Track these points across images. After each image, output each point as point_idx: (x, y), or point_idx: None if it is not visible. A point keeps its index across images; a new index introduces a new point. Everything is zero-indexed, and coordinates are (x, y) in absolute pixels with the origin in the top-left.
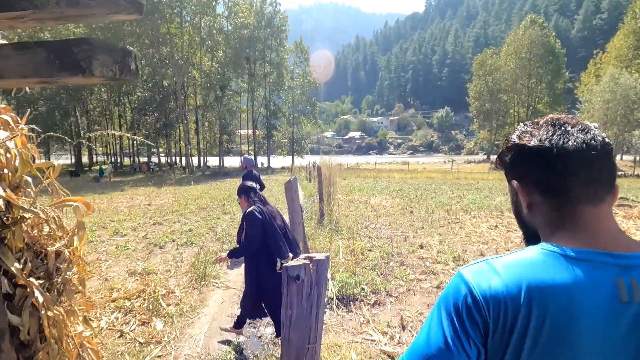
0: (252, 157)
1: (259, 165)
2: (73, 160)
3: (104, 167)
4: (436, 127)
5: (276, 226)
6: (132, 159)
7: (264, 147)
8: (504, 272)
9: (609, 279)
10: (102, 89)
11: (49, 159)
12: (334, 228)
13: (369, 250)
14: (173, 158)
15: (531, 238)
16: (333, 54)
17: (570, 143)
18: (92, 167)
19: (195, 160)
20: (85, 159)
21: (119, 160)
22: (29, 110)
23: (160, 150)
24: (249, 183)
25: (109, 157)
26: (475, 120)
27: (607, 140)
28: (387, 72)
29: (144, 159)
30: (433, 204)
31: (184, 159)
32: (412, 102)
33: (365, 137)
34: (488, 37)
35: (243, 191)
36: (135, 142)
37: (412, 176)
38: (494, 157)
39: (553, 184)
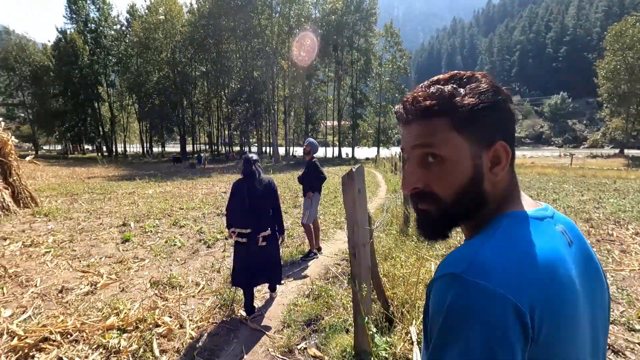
0: (316, 142)
1: (344, 155)
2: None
3: (202, 154)
4: (547, 116)
5: None
6: (227, 148)
7: (348, 137)
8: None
9: (558, 231)
10: (205, 83)
11: (164, 146)
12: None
13: None
14: (263, 147)
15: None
16: (426, 39)
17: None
18: (195, 155)
19: (282, 149)
20: (190, 147)
21: (216, 149)
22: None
23: (252, 140)
24: None
25: (211, 145)
26: (605, 106)
27: None
28: (488, 56)
29: (237, 148)
30: (559, 209)
31: (271, 148)
32: (518, 88)
33: None
34: (624, 6)
35: None
36: (229, 131)
37: (520, 171)
38: (630, 152)
39: (513, 140)
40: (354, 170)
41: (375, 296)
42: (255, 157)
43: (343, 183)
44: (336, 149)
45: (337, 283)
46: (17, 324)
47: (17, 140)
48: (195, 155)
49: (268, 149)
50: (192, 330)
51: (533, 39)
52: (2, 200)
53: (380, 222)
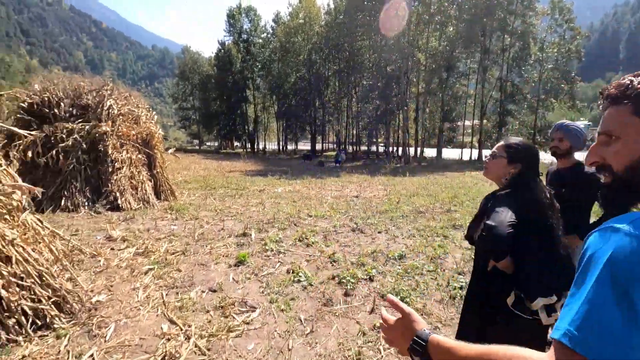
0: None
1: (484, 158)
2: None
3: (342, 153)
4: None
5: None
6: (354, 147)
7: (492, 137)
8: None
9: None
10: (336, 83)
11: (297, 144)
12: None
13: None
14: (391, 147)
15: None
16: (595, 19)
17: None
18: (323, 153)
19: (412, 150)
20: (319, 145)
21: (344, 148)
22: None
23: (379, 140)
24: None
25: (339, 144)
26: None
27: None
28: None
29: (364, 147)
30: None
31: (400, 148)
32: None
33: None
34: None
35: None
36: (357, 130)
37: None
38: None
39: None
40: None
41: None
42: None
43: None
44: (475, 152)
45: None
46: None
47: (161, 137)
48: (329, 154)
49: (395, 149)
50: None
51: None
52: (144, 192)
53: None
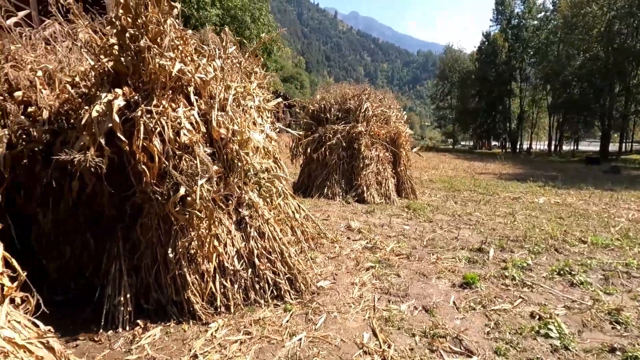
0: None
1: None
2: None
3: None
4: None
5: None
6: None
7: None
8: None
9: None
10: None
11: (577, 144)
12: None
13: None
14: None
15: None
16: None
17: None
18: (620, 156)
19: None
20: (614, 146)
21: None
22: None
23: None
24: None
25: None
26: None
27: None
28: None
29: None
30: None
31: None
32: None
33: None
34: None
35: None
36: None
37: None
38: None
39: None
40: None
41: None
42: None
43: None
44: None
45: None
46: None
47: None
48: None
49: None
50: None
51: None
52: (387, 188)
53: None
